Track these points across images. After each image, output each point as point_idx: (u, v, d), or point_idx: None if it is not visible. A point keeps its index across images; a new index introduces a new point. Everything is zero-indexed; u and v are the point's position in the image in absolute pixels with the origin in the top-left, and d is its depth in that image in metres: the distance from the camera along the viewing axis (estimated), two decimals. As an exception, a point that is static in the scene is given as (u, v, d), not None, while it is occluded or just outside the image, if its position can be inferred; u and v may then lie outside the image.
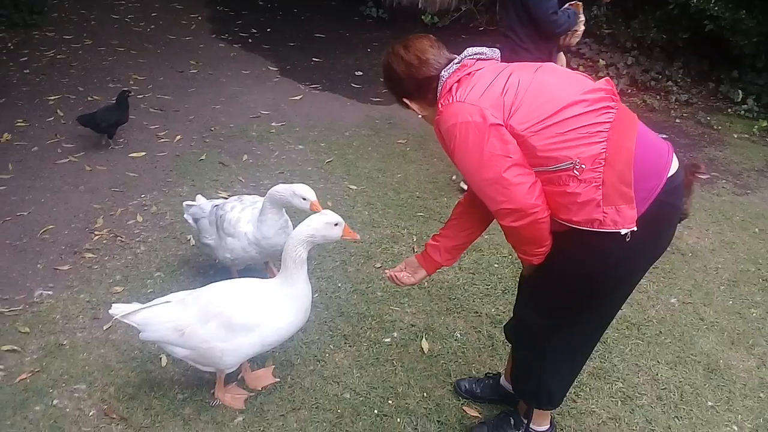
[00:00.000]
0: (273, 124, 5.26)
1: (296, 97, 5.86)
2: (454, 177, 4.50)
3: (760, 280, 3.67)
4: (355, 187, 4.35)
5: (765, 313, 3.39)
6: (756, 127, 5.89)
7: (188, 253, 3.57)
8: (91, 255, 3.52)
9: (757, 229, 4.22)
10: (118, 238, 3.67)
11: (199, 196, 3.35)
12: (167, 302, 2.50)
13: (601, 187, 1.83)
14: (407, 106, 2.16)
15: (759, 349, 3.12)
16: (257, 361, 2.84)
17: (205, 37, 7.31)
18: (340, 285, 3.38)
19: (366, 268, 3.54)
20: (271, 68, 6.55)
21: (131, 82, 5.87)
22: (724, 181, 4.89)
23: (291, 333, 2.51)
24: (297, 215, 3.00)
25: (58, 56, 6.35)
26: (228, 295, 2.50)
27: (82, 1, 8.03)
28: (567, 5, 3.90)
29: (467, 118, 1.88)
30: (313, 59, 6.88)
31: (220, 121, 5.23)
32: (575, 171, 1.82)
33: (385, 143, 5.04)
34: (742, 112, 6.17)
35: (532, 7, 3.77)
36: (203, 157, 4.63)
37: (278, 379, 2.76)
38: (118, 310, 2.45)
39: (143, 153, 4.65)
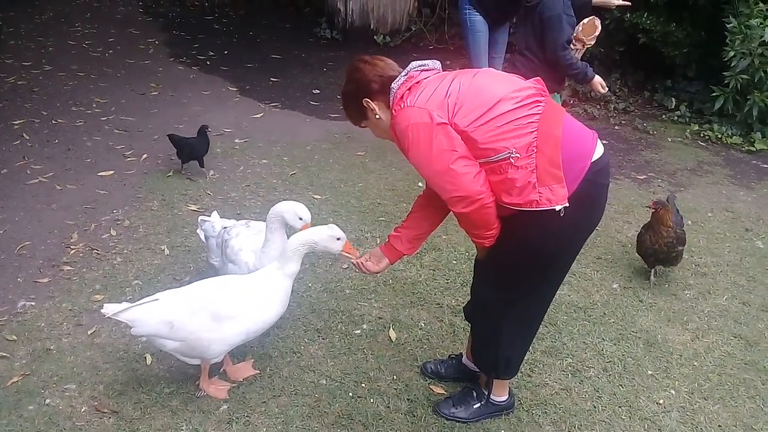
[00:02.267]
0: (236, 140, 5.47)
1: (257, 115, 6.08)
2: (420, 183, 4.79)
3: (693, 265, 4.05)
4: (319, 197, 4.59)
5: (698, 294, 3.75)
6: (688, 131, 6.36)
7: (163, 262, 3.75)
8: (69, 267, 3.67)
9: (689, 222, 4.61)
10: (94, 251, 3.83)
11: (215, 212, 3.47)
12: (156, 300, 2.70)
13: (534, 171, 2.14)
14: (363, 118, 2.42)
15: (693, 325, 3.47)
16: (237, 355, 3.04)
17: (163, 61, 7.47)
18: (310, 285, 3.61)
19: (334, 269, 3.78)
20: (230, 88, 6.76)
21: (94, 105, 6.00)
22: (659, 180, 5.30)
23: (272, 322, 2.73)
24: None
25: (19, 82, 6.43)
26: (215, 288, 2.72)
27: (38, 29, 8.12)
28: (584, 20, 4.07)
29: (417, 120, 2.17)
30: (271, 79, 7.11)
31: (184, 139, 5.41)
32: (512, 159, 2.13)
33: (345, 156, 5.30)
34: (676, 117, 6.64)
35: (546, 32, 3.88)
36: (170, 174, 4.81)
37: (258, 371, 2.97)
38: (109, 309, 2.63)
39: (111, 172, 4.80)
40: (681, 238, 3.66)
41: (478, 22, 5.15)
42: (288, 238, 2.75)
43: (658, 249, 3.61)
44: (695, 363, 3.19)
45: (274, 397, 2.84)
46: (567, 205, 2.13)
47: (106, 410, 2.72)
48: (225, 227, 3.30)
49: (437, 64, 2.37)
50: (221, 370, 2.94)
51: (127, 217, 4.21)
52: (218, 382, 2.88)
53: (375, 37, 8.55)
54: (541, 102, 2.21)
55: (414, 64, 2.33)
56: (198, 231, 3.47)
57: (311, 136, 5.71)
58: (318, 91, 6.88)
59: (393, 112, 2.28)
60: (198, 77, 7.06)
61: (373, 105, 2.37)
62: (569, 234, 2.29)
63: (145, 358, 3.01)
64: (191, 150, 4.74)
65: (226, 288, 2.73)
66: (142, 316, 2.60)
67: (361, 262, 2.62)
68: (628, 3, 4.62)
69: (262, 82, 6.99)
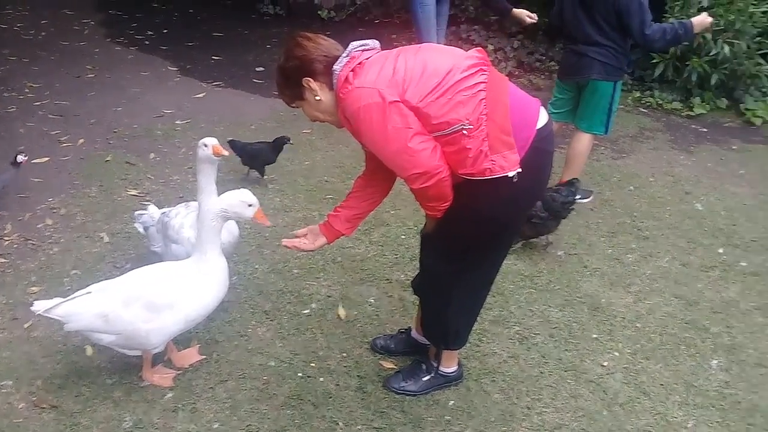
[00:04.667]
0: (177, 122, 5.33)
1: (199, 95, 5.94)
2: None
3: (635, 230, 4.13)
4: (265, 177, 4.52)
5: (639, 257, 3.83)
6: (630, 98, 6.47)
7: (103, 250, 3.64)
8: (2, 260, 3.52)
9: (632, 187, 4.71)
10: (29, 241, 3.69)
11: (151, 205, 3.39)
12: (88, 293, 2.61)
13: (486, 139, 2.14)
14: (299, 98, 2.33)
15: (635, 288, 3.55)
16: (182, 342, 2.98)
17: (99, 42, 7.22)
18: (257, 267, 3.56)
19: (281, 249, 3.69)
20: (170, 68, 6.58)
21: (26, 90, 5.76)
22: (603, 147, 5.38)
23: (213, 307, 2.67)
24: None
25: (-55, 69, 6.14)
26: (148, 277, 2.64)
27: (-37, 11, 7.75)
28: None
29: (368, 100, 2.12)
30: (213, 57, 6.95)
31: (123, 122, 5.25)
32: (465, 131, 2.12)
33: (291, 134, 5.14)
34: (618, 85, 6.73)
35: (625, 18, 3.79)
36: (109, 158, 4.66)
37: (204, 356, 2.91)
38: (39, 306, 2.53)
39: (47, 158, 4.62)
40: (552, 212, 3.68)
41: (427, -7, 5.11)
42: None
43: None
44: (638, 325, 3.27)
45: (222, 382, 2.79)
46: (520, 170, 2.15)
47: (45, 405, 2.63)
48: (163, 212, 3.24)
49: (377, 43, 2.32)
50: (165, 358, 2.87)
51: (63, 204, 4.07)
52: (162, 370, 2.81)
53: (319, 12, 8.44)
54: (485, 70, 2.20)
55: (354, 44, 2.28)
56: (135, 225, 3.37)
57: (256, 114, 5.60)
58: (262, 69, 6.75)
59: (340, 95, 2.22)
60: (136, 58, 6.85)
61: (314, 85, 2.29)
62: (518, 202, 2.32)
63: (85, 349, 2.92)
64: (264, 156, 4.37)
65: (160, 276, 2.64)
66: (75, 311, 2.51)
67: (294, 244, 2.58)
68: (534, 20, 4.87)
69: (203, 61, 6.82)
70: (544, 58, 7.29)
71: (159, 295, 2.57)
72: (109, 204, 4.08)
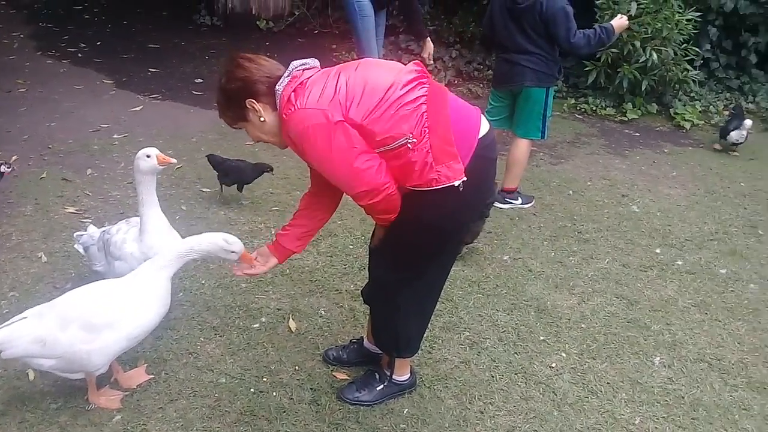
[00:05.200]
0: (115, 136, 5.20)
1: (136, 108, 5.80)
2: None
3: (576, 233, 4.26)
4: (209, 190, 4.45)
5: (581, 260, 3.95)
6: (565, 104, 6.68)
7: (41, 270, 3.51)
8: (-68, 284, 3.36)
9: (571, 191, 4.86)
10: (-39, 264, 3.53)
11: (90, 226, 3.30)
12: (24, 318, 2.51)
13: (430, 151, 2.17)
14: (242, 119, 2.31)
15: (578, 289, 3.66)
16: (128, 361, 2.90)
17: (30, 55, 6.97)
18: (203, 282, 3.50)
19: (228, 264, 3.67)
20: (105, 81, 6.41)
21: (-49, 106, 5.52)
22: (541, 153, 5.53)
23: (155, 323, 2.59)
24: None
25: None
26: (83, 297, 2.54)
27: None
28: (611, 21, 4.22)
29: (313, 121, 2.13)
30: (150, 70, 6.81)
31: (57, 138, 5.08)
32: (409, 144, 2.15)
33: (234, 146, 5.16)
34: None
35: (551, 27, 4.01)
36: (44, 175, 4.50)
37: (152, 376, 2.84)
38: None
39: (-24, 177, 4.43)
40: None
41: (365, 6, 5.17)
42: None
43: None
44: (583, 325, 3.36)
45: (171, 402, 2.73)
46: (465, 179, 2.19)
47: (-15, 435, 2.52)
48: (104, 230, 3.16)
49: (316, 62, 2.33)
50: (111, 379, 2.79)
51: (-4, 225, 3.91)
52: (109, 392, 2.73)
53: (257, 22, 8.39)
54: (425, 83, 2.23)
55: (295, 63, 2.28)
56: (76, 246, 3.28)
57: (196, 127, 5.52)
58: (201, 80, 6.65)
59: (283, 116, 2.21)
60: (69, 71, 6.64)
61: (258, 106, 2.27)
62: (464, 209, 2.36)
63: (28, 374, 2.80)
64: (242, 174, 4.22)
65: (97, 295, 2.55)
66: (10, 338, 2.41)
67: (246, 272, 2.57)
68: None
69: (140, 74, 6.68)
70: (482, 66, 7.44)
71: (96, 314, 2.48)
72: (46, 222, 3.94)
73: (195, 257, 2.56)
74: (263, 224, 4.09)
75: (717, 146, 6.05)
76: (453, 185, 2.19)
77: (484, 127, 2.34)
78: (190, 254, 2.54)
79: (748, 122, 5.82)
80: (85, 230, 3.30)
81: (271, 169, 4.29)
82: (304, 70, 2.27)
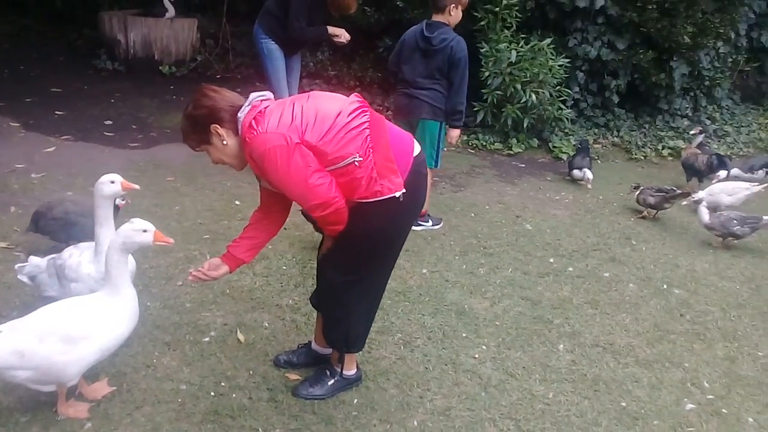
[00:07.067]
0: (33, 175, 5.23)
1: (49, 149, 5.83)
2: (237, 202, 5.03)
3: (482, 248, 4.81)
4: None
5: (489, 270, 4.49)
6: (459, 141, 7.32)
7: (-19, 302, 3.56)
8: None
9: (473, 214, 5.44)
10: None
11: (32, 256, 3.39)
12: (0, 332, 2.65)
13: (374, 167, 2.59)
14: (205, 143, 2.66)
15: (489, 294, 4.17)
16: (89, 377, 3.05)
17: (-76, 99, 6.78)
18: (149, 304, 3.68)
19: (169, 286, 3.88)
20: (12, 124, 6.36)
21: None
22: (444, 183, 6.12)
23: (126, 335, 2.81)
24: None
25: None
26: (61, 311, 2.73)
27: None
28: None
29: (274, 143, 2.50)
30: (57, 112, 6.81)
31: (-28, 178, 5.05)
32: (356, 162, 2.56)
33: (155, 182, 5.34)
34: (448, 130, 7.62)
35: (454, 70, 4.61)
36: (-34, 214, 4.49)
37: (114, 387, 3.00)
38: None
39: None
40: None
41: (274, 50, 5.53)
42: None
43: None
44: (497, 323, 3.86)
45: (138, 408, 2.91)
46: (405, 190, 2.61)
47: (-44, 451, 2.60)
48: (51, 257, 3.29)
49: (270, 94, 2.71)
50: (76, 392, 2.93)
51: (-76, 261, 3.89)
52: (77, 404, 2.87)
53: (160, 67, 8.53)
54: (366, 111, 2.66)
55: (254, 94, 2.65)
56: (19, 277, 3.38)
57: (114, 165, 5.59)
58: (110, 122, 6.75)
59: (246, 139, 2.56)
60: (-29, 115, 6.52)
61: (221, 131, 2.63)
62: (403, 218, 2.79)
63: (-11, 393, 2.90)
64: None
65: (73, 309, 2.75)
66: None
67: (199, 275, 2.85)
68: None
69: (47, 116, 6.67)
70: (380, 108, 8.01)
71: (75, 327, 2.67)
72: (-23, 257, 3.97)
73: (124, 251, 2.75)
74: (197, 251, 4.31)
75: (568, 178, 6.61)
76: (394, 196, 2.62)
77: (417, 148, 2.81)
78: (118, 253, 2.73)
79: (588, 173, 6.37)
80: (27, 261, 3.41)
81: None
82: (262, 100, 2.65)
